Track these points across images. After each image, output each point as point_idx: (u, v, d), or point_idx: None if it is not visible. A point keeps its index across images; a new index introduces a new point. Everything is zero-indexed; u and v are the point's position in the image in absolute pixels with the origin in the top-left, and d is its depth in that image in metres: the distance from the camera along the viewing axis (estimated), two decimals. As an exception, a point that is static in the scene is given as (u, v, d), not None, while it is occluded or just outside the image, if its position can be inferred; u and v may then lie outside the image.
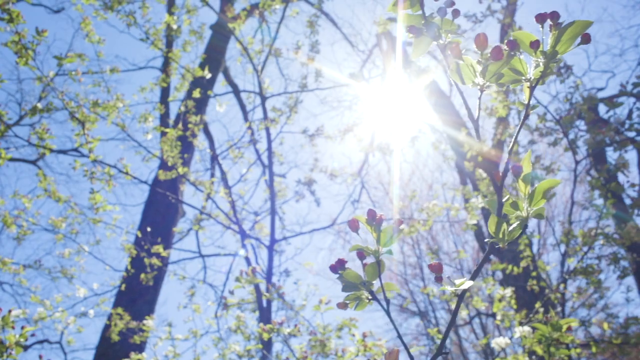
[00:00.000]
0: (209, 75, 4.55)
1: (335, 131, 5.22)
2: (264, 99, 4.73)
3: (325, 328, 4.89)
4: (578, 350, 3.85)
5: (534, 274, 4.17)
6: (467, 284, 0.74)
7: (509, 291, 3.70)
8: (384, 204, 15.01)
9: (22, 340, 2.19)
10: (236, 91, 9.64)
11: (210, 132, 10.12)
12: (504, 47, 0.68)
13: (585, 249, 3.10)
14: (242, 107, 9.22)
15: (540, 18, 0.68)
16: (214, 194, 5.80)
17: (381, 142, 4.89)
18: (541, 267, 3.93)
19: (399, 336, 0.85)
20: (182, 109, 5.07)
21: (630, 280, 9.72)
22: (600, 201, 3.58)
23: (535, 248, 11.82)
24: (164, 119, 7.46)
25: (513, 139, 0.70)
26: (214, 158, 8.09)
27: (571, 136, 2.99)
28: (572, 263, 3.34)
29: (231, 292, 2.35)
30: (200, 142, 8.03)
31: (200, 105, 7.64)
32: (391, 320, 0.86)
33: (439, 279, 0.79)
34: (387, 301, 0.87)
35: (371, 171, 15.90)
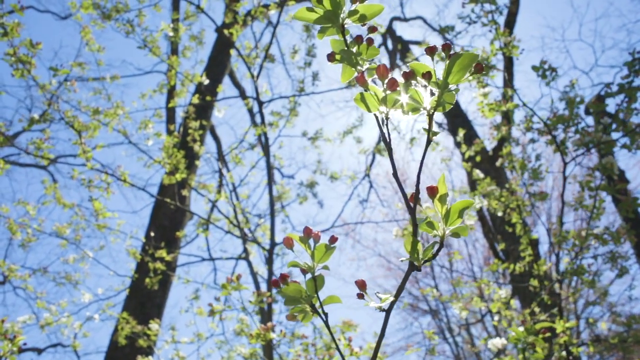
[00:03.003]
0: (206, 81, 4.60)
1: (334, 133, 5.24)
2: (260, 103, 4.77)
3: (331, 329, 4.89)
4: (580, 349, 3.84)
5: (534, 272, 4.16)
6: (389, 300, 0.77)
7: (504, 292, 3.70)
8: (392, 202, 15.00)
9: (15, 349, 2.24)
10: (242, 93, 9.70)
11: (218, 135, 10.19)
12: (400, 78, 0.70)
13: (577, 249, 3.10)
14: (249, 109, 9.29)
15: (430, 51, 0.71)
16: (220, 198, 5.85)
17: (384, 143, 4.89)
18: (536, 267, 3.92)
19: (333, 339, 0.88)
20: (182, 114, 5.12)
21: (637, 278, 9.65)
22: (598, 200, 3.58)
23: (546, 247, 11.75)
24: (169, 123, 7.52)
25: (419, 165, 0.73)
26: (222, 161, 8.15)
27: (562, 137, 2.99)
28: (567, 263, 3.34)
29: (217, 299, 2.39)
30: (205, 145, 8.10)
31: (207, 109, 7.70)
32: (329, 329, 0.89)
33: (360, 296, 0.82)
34: (326, 314, 0.90)
35: (380, 170, 15.91)
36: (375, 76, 0.72)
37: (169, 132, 6.50)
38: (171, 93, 8.06)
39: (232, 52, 4.74)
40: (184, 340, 5.62)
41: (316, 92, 4.89)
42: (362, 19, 0.78)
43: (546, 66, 2.76)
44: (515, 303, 7.31)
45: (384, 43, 12.21)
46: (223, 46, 8.87)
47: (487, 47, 3.99)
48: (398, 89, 0.70)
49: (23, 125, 3.19)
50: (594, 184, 3.04)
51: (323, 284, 0.90)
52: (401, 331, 14.77)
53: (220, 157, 9.01)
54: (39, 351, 10.76)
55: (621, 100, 2.56)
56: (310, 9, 0.78)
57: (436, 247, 0.75)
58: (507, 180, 7.26)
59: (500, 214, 4.51)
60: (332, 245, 0.84)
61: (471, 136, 8.25)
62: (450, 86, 0.69)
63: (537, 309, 3.75)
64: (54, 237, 5.09)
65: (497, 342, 3.56)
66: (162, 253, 5.32)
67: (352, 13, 0.77)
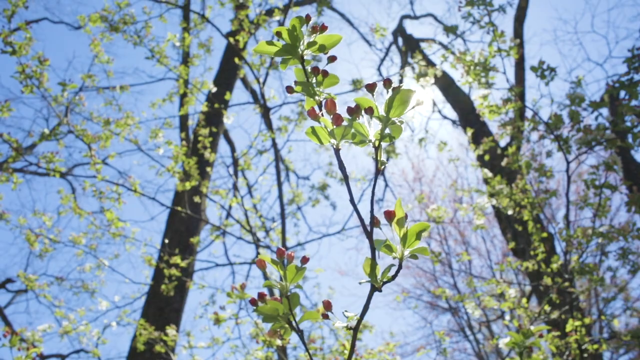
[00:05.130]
0: (214, 89, 4.65)
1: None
2: (267, 110, 4.81)
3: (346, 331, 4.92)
4: (596, 346, 3.83)
5: (543, 270, 4.15)
6: (355, 320, 0.80)
7: (513, 291, 3.70)
8: (409, 201, 14.97)
9: (28, 360, 2.30)
10: (255, 97, 9.75)
11: (232, 139, 10.26)
12: (345, 113, 0.73)
13: (582, 248, 3.09)
14: (262, 113, 9.33)
15: (369, 88, 0.73)
16: (233, 203, 5.91)
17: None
18: (543, 266, 3.91)
19: (305, 346, 0.91)
20: (191, 122, 5.19)
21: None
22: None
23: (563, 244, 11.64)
24: (182, 130, 7.60)
25: (372, 194, 0.76)
26: (235, 165, 8.22)
27: (566, 135, 2.98)
28: (574, 262, 3.33)
29: (222, 308, 2.44)
30: (219, 150, 8.16)
31: (219, 115, 7.76)
32: (304, 345, 0.93)
33: (325, 316, 0.85)
34: (301, 331, 0.93)
35: (396, 169, 15.88)
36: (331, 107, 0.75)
37: (182, 139, 6.58)
38: (183, 100, 8.15)
39: (238, 59, 4.77)
40: (201, 345, 5.70)
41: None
42: (322, 49, 0.81)
43: (545, 66, 2.77)
44: (532, 300, 7.26)
45: (395, 42, 12.20)
46: (233, 52, 8.94)
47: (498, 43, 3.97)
48: (343, 123, 0.74)
49: (34, 140, 3.26)
50: (600, 181, 3.03)
51: (298, 303, 0.93)
52: (421, 330, 14.73)
53: (235, 161, 9.08)
54: (63, 357, 10.94)
55: (621, 98, 2.56)
56: (270, 42, 0.81)
57: (394, 269, 0.78)
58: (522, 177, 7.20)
59: (510, 212, 4.50)
60: (302, 266, 0.88)
61: (484, 133, 8.21)
62: (395, 119, 0.72)
63: (547, 308, 3.74)
64: (71, 247, 5.18)
65: (507, 342, 3.57)
66: (176, 259, 5.40)
67: (311, 44, 0.80)
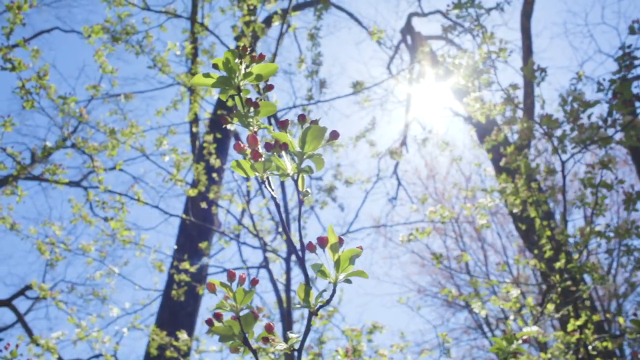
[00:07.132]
0: (216, 96, 4.69)
1: (346, 139, 5.28)
2: (272, 115, 4.84)
3: (356, 332, 4.96)
4: (605, 343, 3.80)
5: (542, 269, 4.12)
6: (296, 343, 0.82)
7: (515, 292, 3.69)
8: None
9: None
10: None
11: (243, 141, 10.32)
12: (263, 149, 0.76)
13: (580, 247, 3.07)
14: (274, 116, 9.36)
15: (281, 125, 0.75)
16: (241, 207, 5.95)
17: (394, 146, 4.92)
18: (543, 266, 3.89)
19: (251, 347, 0.93)
20: (195, 129, 5.24)
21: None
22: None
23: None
24: (193, 136, 7.66)
25: (298, 223, 0.77)
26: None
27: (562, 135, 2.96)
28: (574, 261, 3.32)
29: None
30: (226, 155, 8.21)
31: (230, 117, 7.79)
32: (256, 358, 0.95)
33: (265, 340, 0.87)
34: (254, 351, 0.95)
35: (409, 167, 15.83)
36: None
37: (192, 145, 6.64)
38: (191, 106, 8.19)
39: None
40: (213, 349, 5.76)
41: (322, 100, 4.94)
42: (259, 78, 0.83)
43: (535, 67, 2.76)
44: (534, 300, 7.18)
45: (404, 39, 12.17)
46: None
47: (506, 37, 3.94)
48: (260, 159, 0.76)
49: (37, 153, 3.33)
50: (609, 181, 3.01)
51: (253, 322, 0.96)
52: (437, 328, 14.67)
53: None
54: (82, 362, 11.10)
55: (613, 97, 2.54)
56: (207, 75, 0.83)
57: (327, 294, 0.80)
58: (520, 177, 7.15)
59: (515, 210, 4.47)
60: (251, 289, 0.90)
61: (491, 130, 8.17)
62: (313, 152, 0.74)
63: (550, 306, 3.73)
64: (81, 255, 5.27)
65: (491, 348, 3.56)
66: (185, 265, 5.46)
67: (247, 75, 0.82)
